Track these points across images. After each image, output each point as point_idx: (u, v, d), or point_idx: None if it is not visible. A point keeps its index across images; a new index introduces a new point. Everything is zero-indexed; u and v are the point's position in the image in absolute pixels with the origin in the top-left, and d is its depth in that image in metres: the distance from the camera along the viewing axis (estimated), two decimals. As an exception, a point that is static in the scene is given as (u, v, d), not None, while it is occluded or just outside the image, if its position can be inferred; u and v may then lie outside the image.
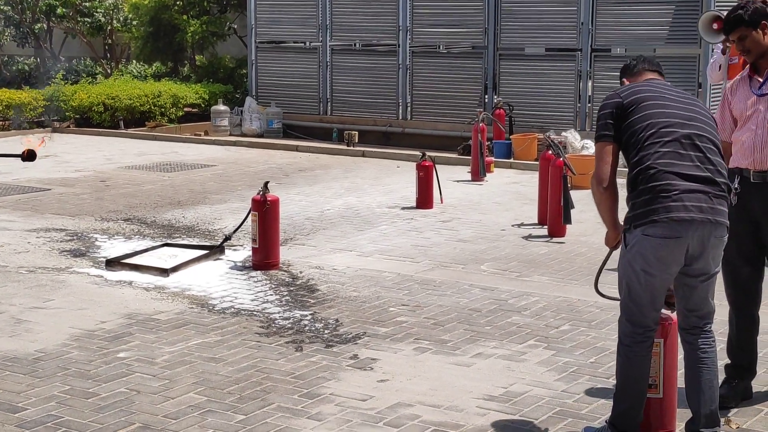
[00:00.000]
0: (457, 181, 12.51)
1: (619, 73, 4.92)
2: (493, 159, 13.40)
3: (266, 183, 8.20)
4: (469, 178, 12.66)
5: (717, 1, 13.43)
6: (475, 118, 13.04)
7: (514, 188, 12.06)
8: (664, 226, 4.31)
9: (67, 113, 17.73)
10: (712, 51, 9.73)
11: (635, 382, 4.56)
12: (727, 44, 8.20)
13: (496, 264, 8.33)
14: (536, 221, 9.88)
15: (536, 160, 12.76)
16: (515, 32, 15.22)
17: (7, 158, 7.24)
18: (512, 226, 9.86)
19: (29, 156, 6.85)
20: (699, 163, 4.39)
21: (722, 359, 5.31)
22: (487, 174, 12.67)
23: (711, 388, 4.57)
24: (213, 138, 16.82)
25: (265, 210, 8.00)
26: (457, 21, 15.69)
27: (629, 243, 4.43)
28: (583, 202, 10.52)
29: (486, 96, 15.51)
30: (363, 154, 15.01)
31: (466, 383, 5.54)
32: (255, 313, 6.88)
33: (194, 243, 8.99)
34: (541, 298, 7.28)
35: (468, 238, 9.33)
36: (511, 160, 13.86)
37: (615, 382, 4.71)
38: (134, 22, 21.00)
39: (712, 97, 13.39)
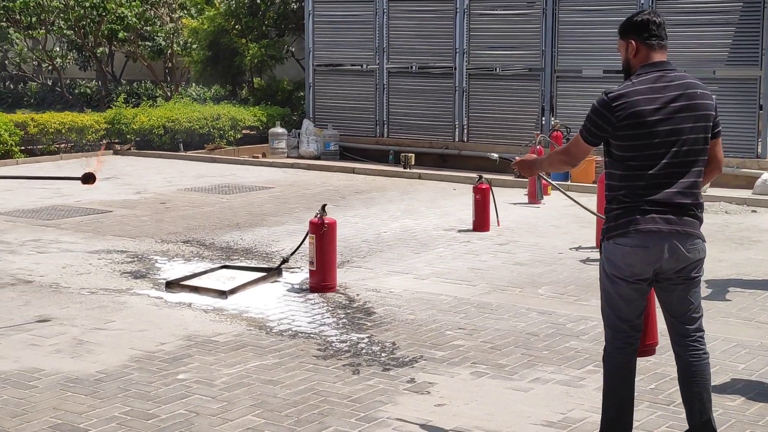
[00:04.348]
0: (514, 203, 12.46)
1: (623, 26, 4.80)
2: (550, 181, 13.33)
3: (324, 206, 8.24)
4: (526, 201, 12.61)
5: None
6: (532, 141, 13.00)
7: (572, 211, 11.98)
8: (633, 236, 4.47)
9: (128, 136, 18.00)
10: None
11: (619, 389, 4.65)
12: None
13: (554, 287, 8.28)
14: (594, 244, 9.79)
15: (594, 182, 12.69)
16: (572, 54, 15.17)
17: (69, 180, 7.38)
18: (570, 249, 9.80)
19: (89, 179, 6.99)
20: (673, 190, 4.45)
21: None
22: (544, 196, 12.61)
23: (701, 401, 4.63)
24: (271, 160, 16.95)
25: (322, 232, 8.04)
26: (513, 43, 15.68)
27: (603, 251, 4.63)
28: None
29: (543, 118, 15.46)
30: (419, 177, 15.02)
31: (524, 408, 5.51)
32: (312, 335, 6.91)
33: (252, 265, 9.06)
34: (599, 322, 7.15)
35: (525, 261, 9.29)
36: (569, 183, 13.78)
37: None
38: (194, 46, 21.29)
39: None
